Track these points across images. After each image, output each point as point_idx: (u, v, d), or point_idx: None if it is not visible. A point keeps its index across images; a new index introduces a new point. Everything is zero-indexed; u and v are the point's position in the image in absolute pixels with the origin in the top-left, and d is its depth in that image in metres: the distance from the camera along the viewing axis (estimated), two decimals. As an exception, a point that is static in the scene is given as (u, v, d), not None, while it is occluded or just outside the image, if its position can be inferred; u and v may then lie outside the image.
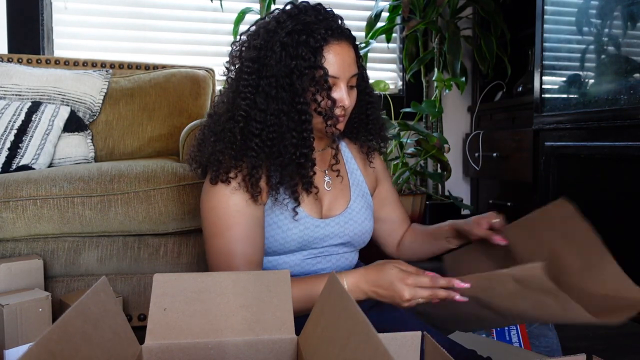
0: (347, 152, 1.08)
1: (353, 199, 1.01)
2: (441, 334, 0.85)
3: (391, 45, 2.59)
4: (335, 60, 0.88)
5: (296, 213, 0.92)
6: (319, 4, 0.92)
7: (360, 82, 0.98)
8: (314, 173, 0.93)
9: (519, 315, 0.84)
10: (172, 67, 2.07)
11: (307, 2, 0.92)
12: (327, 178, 1.00)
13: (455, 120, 2.74)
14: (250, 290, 0.63)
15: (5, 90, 1.72)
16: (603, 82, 1.71)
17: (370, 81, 1.07)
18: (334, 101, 0.89)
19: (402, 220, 1.16)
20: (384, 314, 0.90)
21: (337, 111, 0.90)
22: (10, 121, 1.59)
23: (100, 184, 1.31)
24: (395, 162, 2.26)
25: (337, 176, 1.01)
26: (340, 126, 0.93)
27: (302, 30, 0.86)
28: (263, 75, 0.86)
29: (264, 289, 0.63)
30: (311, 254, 0.97)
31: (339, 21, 0.92)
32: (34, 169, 1.52)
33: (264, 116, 0.86)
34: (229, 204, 0.88)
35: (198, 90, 1.95)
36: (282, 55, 0.85)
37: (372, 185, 1.10)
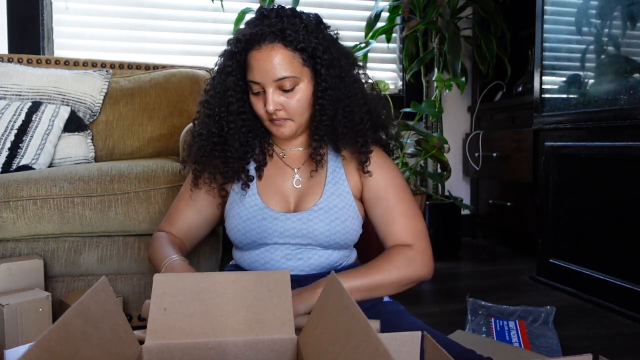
0: (334, 154, 1.02)
1: (324, 197, 0.97)
2: (441, 334, 0.85)
3: (391, 45, 2.59)
4: (254, 65, 0.91)
5: (245, 192, 0.99)
6: (272, 8, 0.94)
7: (319, 79, 0.93)
8: (240, 165, 0.98)
9: None
10: (172, 67, 2.07)
11: (262, 8, 0.95)
12: (296, 176, 1.01)
13: (455, 120, 2.74)
14: (250, 290, 0.63)
15: (6, 91, 1.72)
16: (603, 82, 1.71)
17: (370, 81, 1.04)
18: (253, 105, 0.95)
19: (384, 238, 1.01)
20: (384, 314, 0.90)
21: (263, 115, 0.95)
22: (10, 121, 1.59)
23: (100, 184, 1.31)
24: (395, 162, 2.26)
25: (312, 176, 0.99)
26: (281, 130, 0.95)
27: (234, 42, 0.93)
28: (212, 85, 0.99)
29: (264, 289, 0.63)
30: (282, 250, 0.97)
31: (274, 23, 0.90)
32: (34, 169, 1.52)
33: (204, 121, 0.99)
34: (188, 181, 1.07)
35: (198, 90, 1.95)
36: (220, 64, 0.97)
37: (359, 188, 1.02)
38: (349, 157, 1.01)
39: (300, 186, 1.00)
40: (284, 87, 0.91)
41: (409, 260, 0.93)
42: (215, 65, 0.99)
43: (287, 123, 0.95)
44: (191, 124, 1.55)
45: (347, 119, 0.95)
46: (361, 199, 1.02)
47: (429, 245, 0.98)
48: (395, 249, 0.95)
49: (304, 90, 0.93)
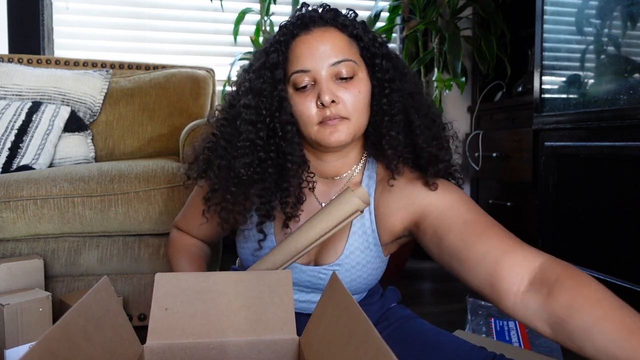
0: (371, 182, 0.83)
1: (345, 254, 0.81)
2: (450, 333, 0.84)
3: (391, 45, 2.59)
4: (302, 51, 0.75)
5: (260, 248, 0.82)
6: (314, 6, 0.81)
7: (380, 73, 0.78)
8: (264, 199, 0.78)
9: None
10: (172, 67, 2.07)
11: (303, 4, 0.82)
12: None
13: (455, 120, 2.73)
14: (251, 290, 0.63)
15: (6, 91, 1.72)
16: (603, 82, 1.71)
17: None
18: (296, 106, 0.76)
19: (496, 257, 0.67)
20: (393, 319, 0.88)
21: (312, 116, 0.75)
22: (10, 121, 1.59)
23: (100, 184, 1.31)
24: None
25: None
26: (336, 135, 0.74)
27: (277, 33, 0.79)
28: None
29: (265, 289, 0.63)
30: (295, 293, 0.83)
31: (324, 12, 0.78)
32: (34, 169, 1.52)
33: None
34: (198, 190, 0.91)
35: (198, 90, 1.95)
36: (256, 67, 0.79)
37: (394, 231, 0.81)
38: (395, 185, 0.80)
39: None
40: (340, 74, 0.74)
41: (587, 279, 0.61)
42: (245, 79, 0.80)
43: (343, 124, 0.74)
44: (191, 124, 1.55)
45: (420, 112, 0.78)
46: (419, 235, 0.79)
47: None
48: (554, 266, 0.64)
49: (363, 82, 0.77)
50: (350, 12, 0.81)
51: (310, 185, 0.81)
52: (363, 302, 0.91)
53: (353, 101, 0.75)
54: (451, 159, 0.81)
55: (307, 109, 0.75)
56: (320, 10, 0.78)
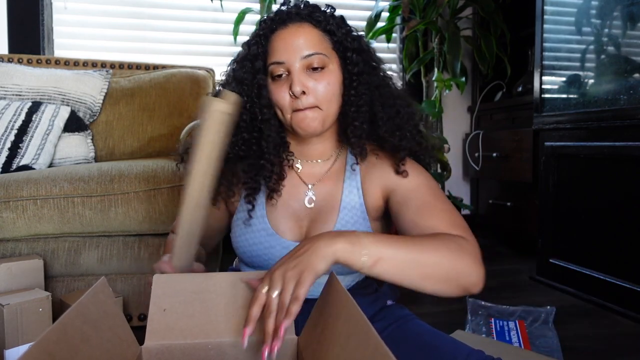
0: (350, 165, 0.90)
1: (338, 226, 0.85)
2: (447, 335, 0.84)
3: (391, 45, 2.59)
4: (279, 45, 0.82)
5: (250, 217, 0.88)
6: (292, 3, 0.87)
7: (351, 66, 0.85)
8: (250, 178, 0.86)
9: None
10: (172, 67, 2.07)
11: (283, 4, 0.88)
12: (309, 193, 0.88)
13: (455, 120, 2.73)
14: (250, 290, 0.63)
15: (6, 91, 1.72)
16: (603, 82, 1.71)
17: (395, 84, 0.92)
18: (273, 95, 0.84)
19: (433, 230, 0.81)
20: (390, 319, 0.88)
21: (286, 104, 0.82)
22: (10, 121, 1.60)
23: (100, 184, 1.31)
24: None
25: (326, 194, 0.88)
26: (307, 122, 0.82)
27: (258, 26, 0.87)
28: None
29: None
30: None
31: (300, 8, 0.85)
32: (34, 169, 1.52)
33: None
34: None
35: (198, 90, 1.95)
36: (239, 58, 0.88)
37: (377, 206, 0.89)
38: (376, 165, 0.88)
39: (312, 205, 0.88)
40: (312, 65, 0.81)
41: (461, 247, 0.70)
42: (231, 69, 0.90)
43: (314, 112, 0.82)
44: (191, 124, 1.56)
45: (386, 104, 0.85)
46: (387, 210, 0.88)
47: (478, 246, 0.74)
48: (444, 234, 0.74)
49: (333, 73, 0.83)
50: (329, 9, 0.87)
51: (290, 163, 0.90)
52: (357, 291, 0.90)
53: (323, 91, 0.82)
54: (417, 145, 0.88)
55: (282, 98, 0.83)
56: (298, 6, 0.85)
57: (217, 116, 0.68)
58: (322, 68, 0.82)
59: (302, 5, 0.85)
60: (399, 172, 0.85)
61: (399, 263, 0.65)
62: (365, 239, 0.64)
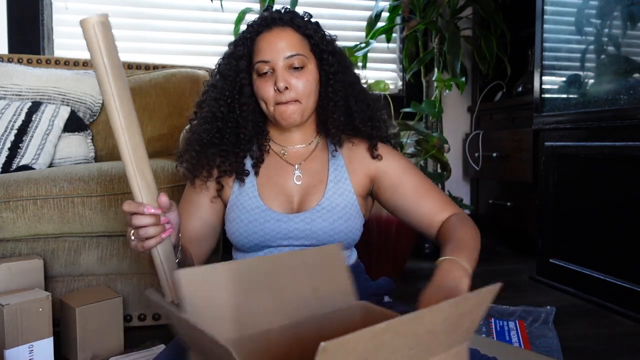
0: (334, 151, 1.02)
1: (326, 197, 0.97)
2: None
3: (391, 45, 2.59)
4: (264, 46, 0.94)
5: (216, 194, 0.99)
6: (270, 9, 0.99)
7: (327, 66, 0.97)
8: (233, 160, 0.98)
9: None
10: (172, 67, 2.06)
11: (265, 10, 0.99)
12: (297, 172, 1.00)
13: (455, 120, 2.73)
14: (311, 267, 0.64)
15: (6, 91, 1.72)
16: (603, 82, 1.71)
17: (371, 81, 1.06)
18: (258, 89, 0.95)
19: (433, 214, 0.99)
20: None
21: (270, 97, 0.94)
22: (10, 121, 1.60)
23: (100, 184, 1.31)
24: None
25: (313, 172, 0.99)
26: (288, 114, 0.94)
27: (244, 30, 0.97)
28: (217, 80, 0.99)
29: (323, 264, 0.65)
30: (286, 251, 0.89)
31: (282, 14, 0.96)
32: (34, 169, 1.52)
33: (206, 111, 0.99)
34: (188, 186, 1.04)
35: (198, 90, 1.93)
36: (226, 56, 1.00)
37: (364, 186, 1.02)
38: (353, 150, 1.02)
39: (300, 182, 0.99)
40: (293, 64, 0.93)
41: (469, 221, 0.95)
42: (217, 64, 1.01)
43: (295, 105, 0.94)
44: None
45: (358, 99, 0.99)
46: (376, 192, 1.03)
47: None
48: (452, 218, 0.96)
49: (311, 72, 0.96)
50: (306, 14, 1.00)
51: (267, 149, 1.02)
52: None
53: (302, 87, 0.94)
54: (386, 132, 1.05)
55: (267, 92, 0.94)
56: (280, 12, 0.97)
57: (91, 33, 0.73)
58: (302, 67, 0.94)
59: (283, 12, 0.97)
60: (374, 156, 1.01)
61: (474, 262, 0.84)
62: (466, 265, 0.80)
